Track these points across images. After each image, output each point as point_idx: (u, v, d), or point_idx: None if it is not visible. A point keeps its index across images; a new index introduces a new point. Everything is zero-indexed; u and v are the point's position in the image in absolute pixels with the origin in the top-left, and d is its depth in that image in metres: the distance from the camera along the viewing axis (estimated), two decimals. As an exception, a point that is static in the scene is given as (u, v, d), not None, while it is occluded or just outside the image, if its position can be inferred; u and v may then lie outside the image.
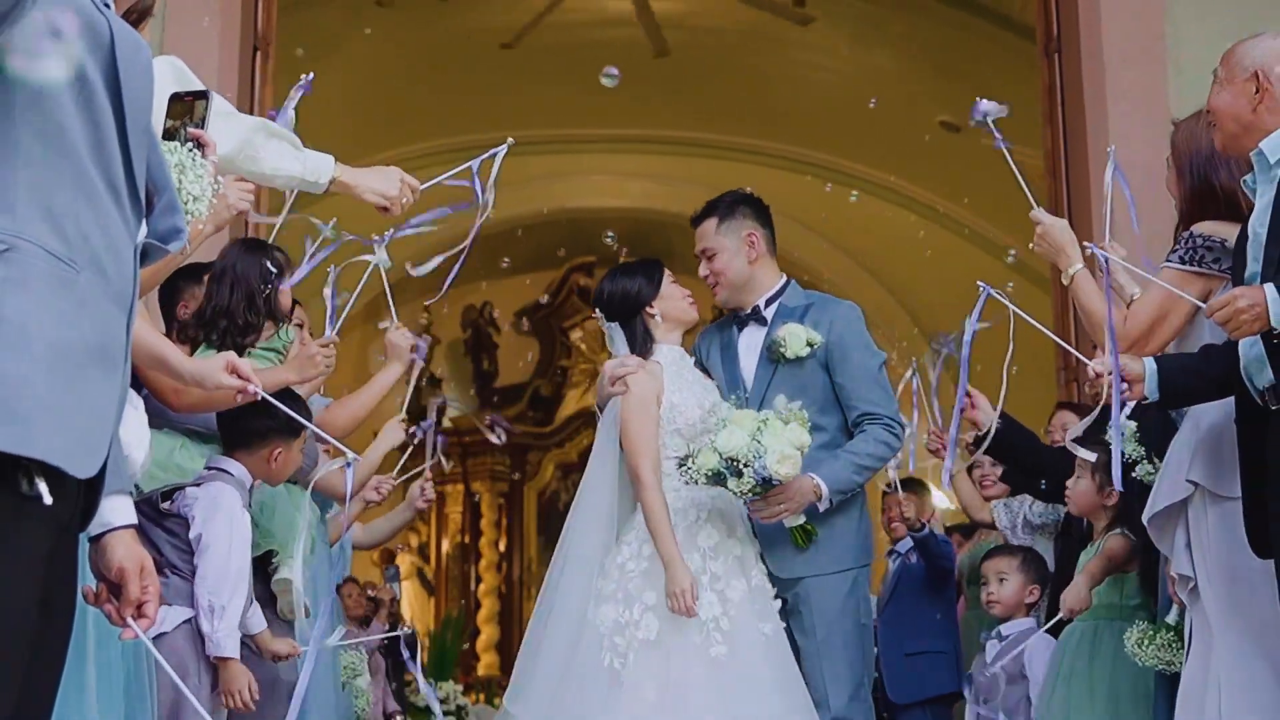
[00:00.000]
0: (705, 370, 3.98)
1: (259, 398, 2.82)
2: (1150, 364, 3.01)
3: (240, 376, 2.82)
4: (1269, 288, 2.72)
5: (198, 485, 3.25)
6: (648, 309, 3.85)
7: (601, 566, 3.67)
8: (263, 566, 3.60)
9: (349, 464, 2.81)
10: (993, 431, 3.91)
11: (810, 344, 3.77)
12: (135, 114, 1.85)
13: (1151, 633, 3.49)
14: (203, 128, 2.38)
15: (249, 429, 3.32)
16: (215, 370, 2.86)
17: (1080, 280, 3.31)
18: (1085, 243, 3.33)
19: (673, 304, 3.87)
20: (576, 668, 3.54)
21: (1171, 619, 3.46)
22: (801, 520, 3.64)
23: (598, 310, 3.95)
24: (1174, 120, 3.51)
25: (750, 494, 3.50)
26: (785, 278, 3.97)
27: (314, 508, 3.94)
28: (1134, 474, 3.58)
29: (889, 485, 5.09)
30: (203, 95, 2.40)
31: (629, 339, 3.85)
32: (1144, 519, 3.33)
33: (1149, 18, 5.32)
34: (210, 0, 5.16)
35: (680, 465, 3.54)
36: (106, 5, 1.87)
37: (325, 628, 3.27)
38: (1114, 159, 3.44)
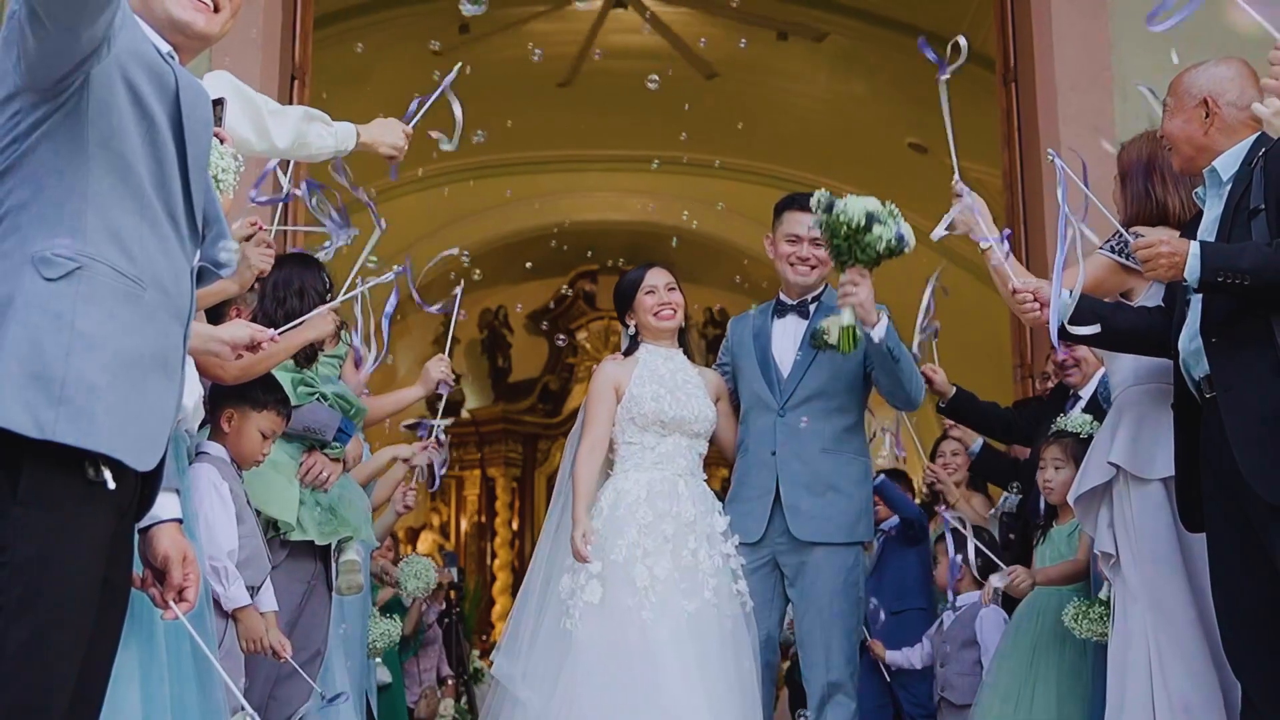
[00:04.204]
0: (733, 356, 4.02)
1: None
2: (1066, 298, 2.98)
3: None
4: (1194, 244, 2.72)
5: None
6: (627, 315, 3.96)
7: (560, 542, 3.74)
8: (326, 548, 3.61)
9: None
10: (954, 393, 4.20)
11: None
12: (196, 154, 1.89)
13: (1085, 607, 3.49)
14: (219, 125, 2.57)
15: (209, 400, 3.28)
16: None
17: (993, 254, 3.26)
18: (1049, 150, 3.34)
19: (641, 316, 3.94)
20: (542, 633, 3.61)
21: (1104, 595, 3.45)
22: (853, 322, 3.58)
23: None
24: (1121, 142, 3.50)
25: (879, 251, 3.47)
26: (827, 282, 3.99)
27: (363, 495, 3.99)
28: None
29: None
30: (220, 101, 2.60)
31: (625, 342, 3.99)
32: (1070, 499, 3.34)
33: (1096, 49, 5.33)
34: (252, 35, 5.17)
35: (825, 210, 3.50)
36: (171, 57, 1.91)
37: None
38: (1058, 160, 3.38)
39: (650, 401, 3.78)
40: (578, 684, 3.43)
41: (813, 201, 3.58)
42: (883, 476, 4.95)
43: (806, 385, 3.79)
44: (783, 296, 3.99)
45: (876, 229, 3.45)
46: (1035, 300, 3.04)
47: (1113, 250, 3.22)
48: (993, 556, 4.18)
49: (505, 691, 3.63)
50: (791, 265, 3.92)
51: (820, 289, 3.95)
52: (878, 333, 3.62)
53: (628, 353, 3.94)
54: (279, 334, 3.05)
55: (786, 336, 3.90)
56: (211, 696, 2.64)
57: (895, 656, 4.76)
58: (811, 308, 3.92)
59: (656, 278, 3.94)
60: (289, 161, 3.67)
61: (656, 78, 5.22)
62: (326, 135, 3.23)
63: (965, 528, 4.21)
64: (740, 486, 3.86)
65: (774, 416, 3.81)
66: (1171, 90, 3.05)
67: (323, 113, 3.26)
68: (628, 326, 3.97)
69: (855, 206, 3.46)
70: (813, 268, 3.90)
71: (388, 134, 3.42)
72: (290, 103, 5.39)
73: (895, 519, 5.28)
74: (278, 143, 3.09)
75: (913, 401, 3.81)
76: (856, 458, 3.83)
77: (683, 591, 3.56)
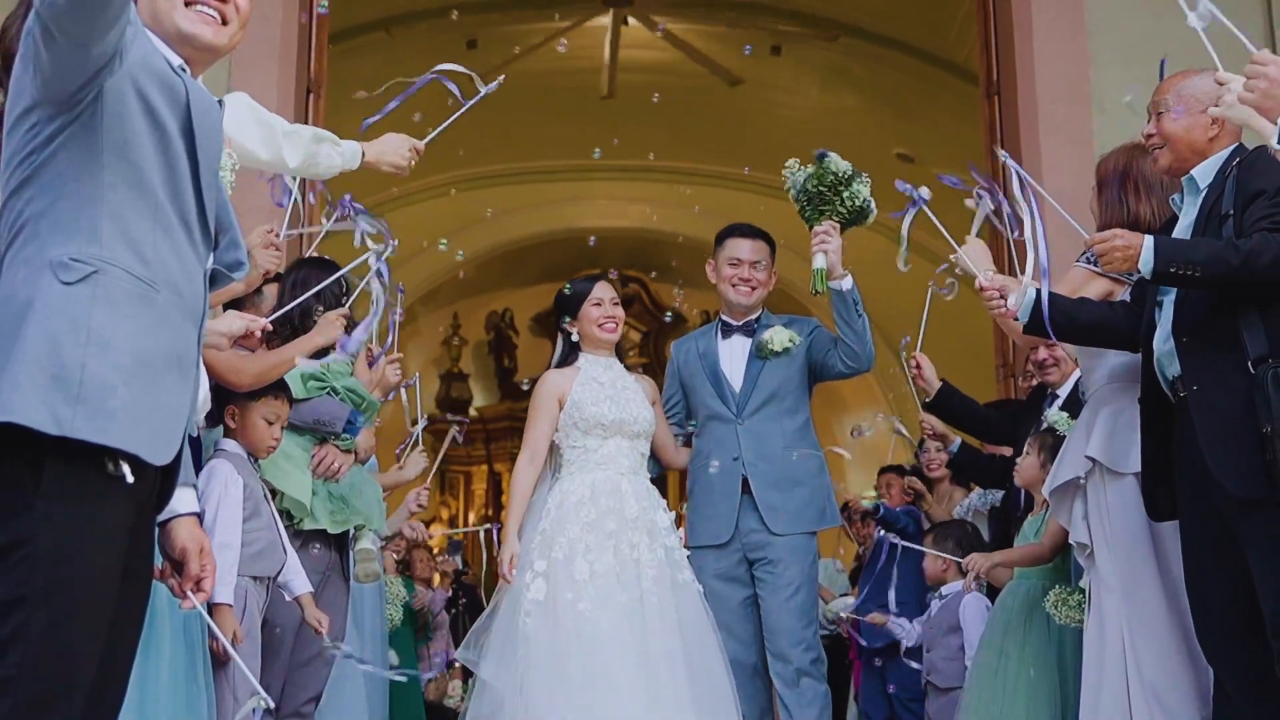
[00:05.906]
0: (682, 372, 4.09)
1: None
2: (1031, 293, 2.97)
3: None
4: (1149, 237, 2.71)
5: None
6: (568, 324, 3.91)
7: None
8: (342, 538, 3.60)
9: None
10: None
11: (792, 340, 3.93)
12: (207, 162, 1.90)
13: (1065, 594, 3.49)
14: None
15: (214, 403, 3.28)
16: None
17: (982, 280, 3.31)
18: (998, 148, 3.39)
19: (585, 325, 3.91)
20: (503, 630, 3.60)
21: (1084, 583, 3.43)
22: (824, 266, 3.80)
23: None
24: (1103, 155, 3.48)
25: (856, 204, 3.76)
26: (764, 307, 4.14)
27: (376, 486, 3.98)
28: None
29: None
30: (219, 103, 2.62)
31: (561, 346, 3.95)
32: (1045, 492, 3.34)
33: (1076, 64, 5.32)
34: (269, 49, 5.17)
35: (819, 158, 3.79)
36: (183, 69, 1.91)
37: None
38: (1007, 159, 3.35)
39: (591, 406, 3.79)
40: (530, 677, 3.45)
41: (793, 169, 3.86)
42: (882, 509, 4.99)
43: (759, 393, 3.91)
44: (726, 318, 4.11)
45: (856, 185, 3.76)
46: (1002, 297, 3.05)
47: (1089, 261, 3.21)
48: (941, 554, 4.37)
49: (480, 680, 3.63)
50: (734, 286, 4.05)
51: (759, 312, 4.08)
52: (845, 284, 3.84)
53: (565, 362, 3.92)
54: (271, 320, 3.10)
55: (734, 354, 4.02)
56: (207, 690, 2.63)
57: (893, 627, 4.80)
58: (755, 327, 4.03)
59: (604, 291, 3.95)
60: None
61: None
62: (334, 155, 3.27)
63: (899, 541, 4.53)
64: (705, 493, 3.93)
65: (733, 425, 3.91)
66: (1171, 92, 2.97)
67: (331, 133, 3.31)
68: (569, 333, 3.94)
69: (843, 162, 3.78)
70: (753, 289, 4.05)
71: (390, 152, 3.45)
72: (306, 115, 5.39)
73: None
74: (289, 161, 3.13)
75: (869, 358, 3.92)
76: (813, 452, 3.97)
77: (621, 584, 3.57)
